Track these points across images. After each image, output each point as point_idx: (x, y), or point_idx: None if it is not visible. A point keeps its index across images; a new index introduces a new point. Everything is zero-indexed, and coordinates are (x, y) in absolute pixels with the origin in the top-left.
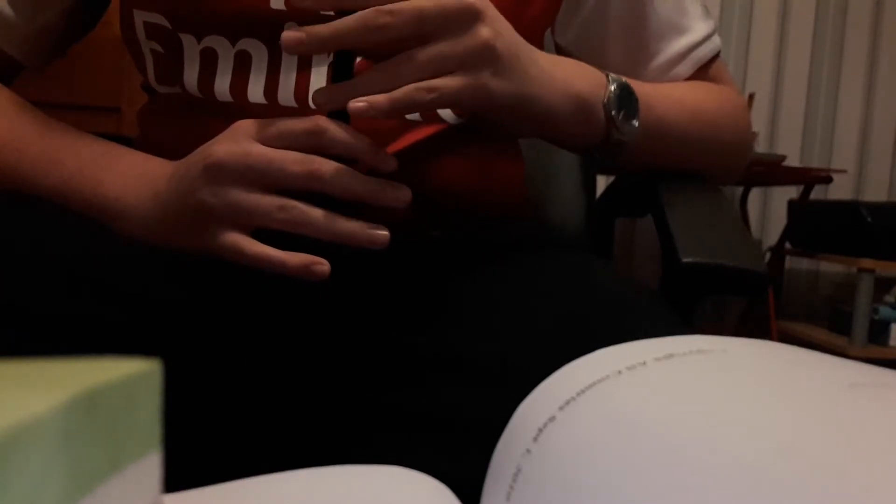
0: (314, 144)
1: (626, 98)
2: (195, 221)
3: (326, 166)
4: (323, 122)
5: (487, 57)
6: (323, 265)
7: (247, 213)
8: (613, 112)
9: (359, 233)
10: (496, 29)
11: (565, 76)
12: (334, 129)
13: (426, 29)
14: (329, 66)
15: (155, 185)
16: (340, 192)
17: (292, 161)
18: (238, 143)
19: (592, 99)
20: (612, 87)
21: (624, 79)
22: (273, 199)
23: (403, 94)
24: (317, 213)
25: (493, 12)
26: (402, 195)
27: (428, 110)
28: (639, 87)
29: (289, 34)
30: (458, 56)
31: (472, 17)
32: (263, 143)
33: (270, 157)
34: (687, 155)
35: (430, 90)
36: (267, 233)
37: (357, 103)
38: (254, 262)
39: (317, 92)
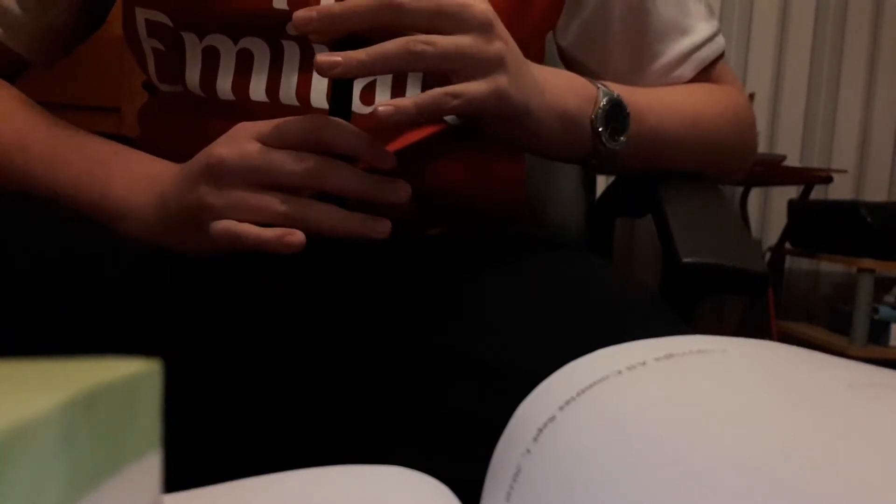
0: (313, 142)
1: (615, 113)
2: (193, 219)
3: (324, 164)
4: (320, 119)
5: (502, 65)
6: (294, 234)
7: (246, 210)
8: (600, 128)
9: (359, 224)
10: (504, 40)
11: (554, 90)
12: (332, 127)
13: (442, 24)
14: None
15: (160, 187)
16: (339, 190)
17: (291, 160)
18: (239, 143)
19: (580, 115)
20: (603, 102)
21: (617, 92)
22: (273, 195)
23: (430, 98)
24: (316, 208)
25: (502, 27)
26: (400, 191)
27: (451, 114)
28: (633, 96)
29: (300, 13)
30: (477, 57)
31: (487, 26)
32: (264, 143)
33: (270, 157)
34: (685, 160)
35: (456, 95)
36: None
37: (384, 107)
38: (246, 242)
39: (322, 56)
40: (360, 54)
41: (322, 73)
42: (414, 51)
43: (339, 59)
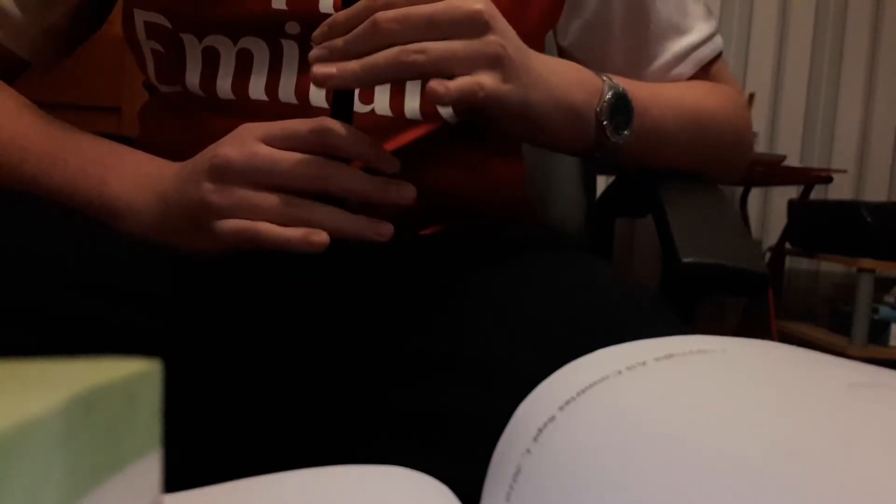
0: (319, 145)
1: (620, 107)
2: (193, 217)
3: (331, 167)
4: (327, 122)
5: (496, 63)
6: (319, 234)
7: (251, 209)
8: (605, 122)
9: (364, 227)
10: (504, 36)
11: (560, 83)
12: (338, 130)
13: (436, 35)
14: None
15: (160, 185)
16: (345, 192)
17: (298, 162)
18: (245, 144)
19: (585, 108)
20: (608, 96)
21: (622, 86)
22: (277, 196)
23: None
24: (321, 209)
25: (501, 21)
26: (406, 193)
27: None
28: (637, 90)
29: (316, 70)
30: (470, 56)
31: (482, 25)
32: (269, 145)
33: (276, 158)
34: (686, 156)
35: (429, 91)
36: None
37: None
38: (266, 242)
39: (318, 68)
40: (354, 65)
41: (319, 85)
42: (405, 61)
43: (334, 70)
